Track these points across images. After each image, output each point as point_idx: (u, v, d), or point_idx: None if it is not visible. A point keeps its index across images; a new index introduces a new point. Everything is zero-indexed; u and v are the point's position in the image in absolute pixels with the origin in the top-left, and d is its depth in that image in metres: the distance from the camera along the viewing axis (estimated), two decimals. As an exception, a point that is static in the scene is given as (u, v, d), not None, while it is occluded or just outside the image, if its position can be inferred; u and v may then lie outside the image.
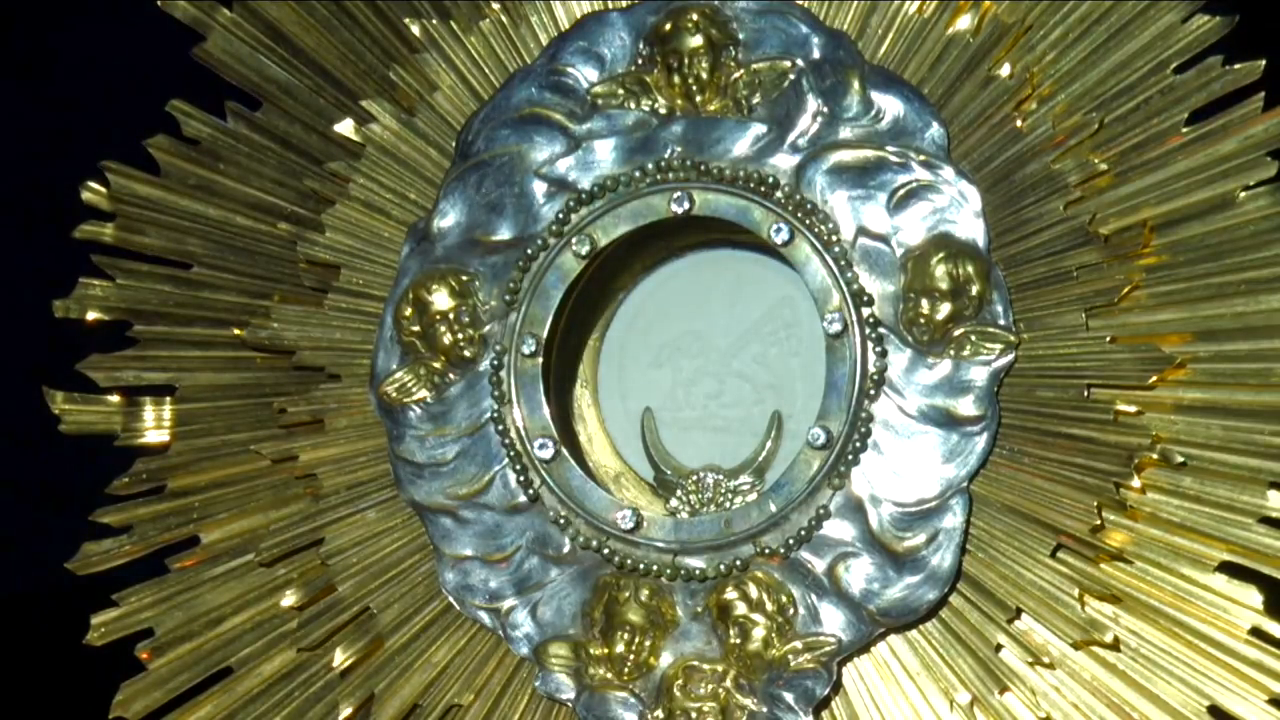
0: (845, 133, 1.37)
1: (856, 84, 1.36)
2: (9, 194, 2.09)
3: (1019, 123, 1.35)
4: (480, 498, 1.42)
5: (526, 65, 1.44)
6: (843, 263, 1.36)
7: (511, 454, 1.42)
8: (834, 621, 1.36)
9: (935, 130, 1.35)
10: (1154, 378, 1.32)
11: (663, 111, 1.40)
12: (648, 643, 1.39)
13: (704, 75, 1.39)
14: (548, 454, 1.41)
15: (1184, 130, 1.33)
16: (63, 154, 1.97)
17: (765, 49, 1.38)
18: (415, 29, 1.47)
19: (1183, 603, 1.34)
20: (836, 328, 1.36)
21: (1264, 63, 1.32)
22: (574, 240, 1.41)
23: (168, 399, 1.57)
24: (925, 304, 1.34)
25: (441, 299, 1.43)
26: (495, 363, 1.43)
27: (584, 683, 1.39)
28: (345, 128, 1.50)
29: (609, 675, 1.39)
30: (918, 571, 1.34)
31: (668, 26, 1.39)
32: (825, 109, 1.37)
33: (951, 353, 1.34)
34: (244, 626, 1.53)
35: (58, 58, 2.08)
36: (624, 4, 1.43)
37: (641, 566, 1.39)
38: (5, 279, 2.05)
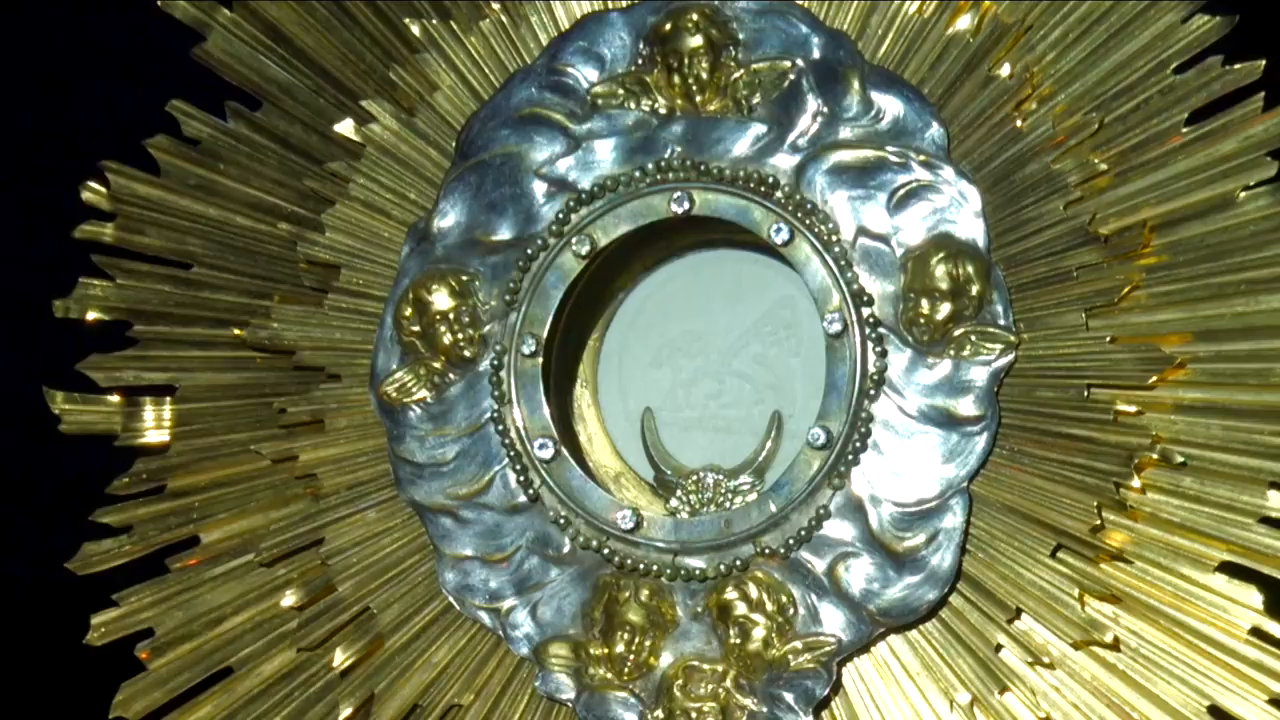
0: (845, 133, 1.37)
1: (856, 84, 1.36)
2: (9, 193, 2.09)
3: (1019, 123, 1.35)
4: (480, 498, 1.42)
5: (526, 65, 1.44)
6: (843, 263, 1.36)
7: (511, 454, 1.42)
8: (834, 621, 1.36)
9: (935, 130, 1.35)
10: (1154, 378, 1.32)
11: (663, 111, 1.40)
12: (648, 643, 1.39)
13: (704, 75, 1.39)
14: (548, 454, 1.41)
15: (1184, 130, 1.34)
16: (63, 153, 1.97)
17: (765, 49, 1.38)
18: (415, 29, 1.47)
19: (1183, 603, 1.34)
20: (836, 328, 1.36)
21: (1264, 63, 1.32)
22: (574, 240, 1.41)
23: (168, 399, 1.57)
24: (925, 304, 1.34)
25: (441, 299, 1.43)
26: (495, 363, 1.43)
27: (584, 683, 1.39)
28: (345, 128, 1.50)
29: (609, 675, 1.39)
30: (918, 571, 1.34)
31: (668, 26, 1.39)
32: (825, 109, 1.37)
33: (951, 353, 1.34)
34: (244, 626, 1.53)
35: (58, 56, 2.08)
36: (624, 4, 1.43)
37: (641, 566, 1.39)
38: (5, 279, 2.04)
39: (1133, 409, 1.33)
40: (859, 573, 1.35)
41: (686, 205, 1.40)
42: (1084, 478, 1.33)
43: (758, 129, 1.38)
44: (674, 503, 1.46)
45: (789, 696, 1.36)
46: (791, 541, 1.36)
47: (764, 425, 1.47)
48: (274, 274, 1.53)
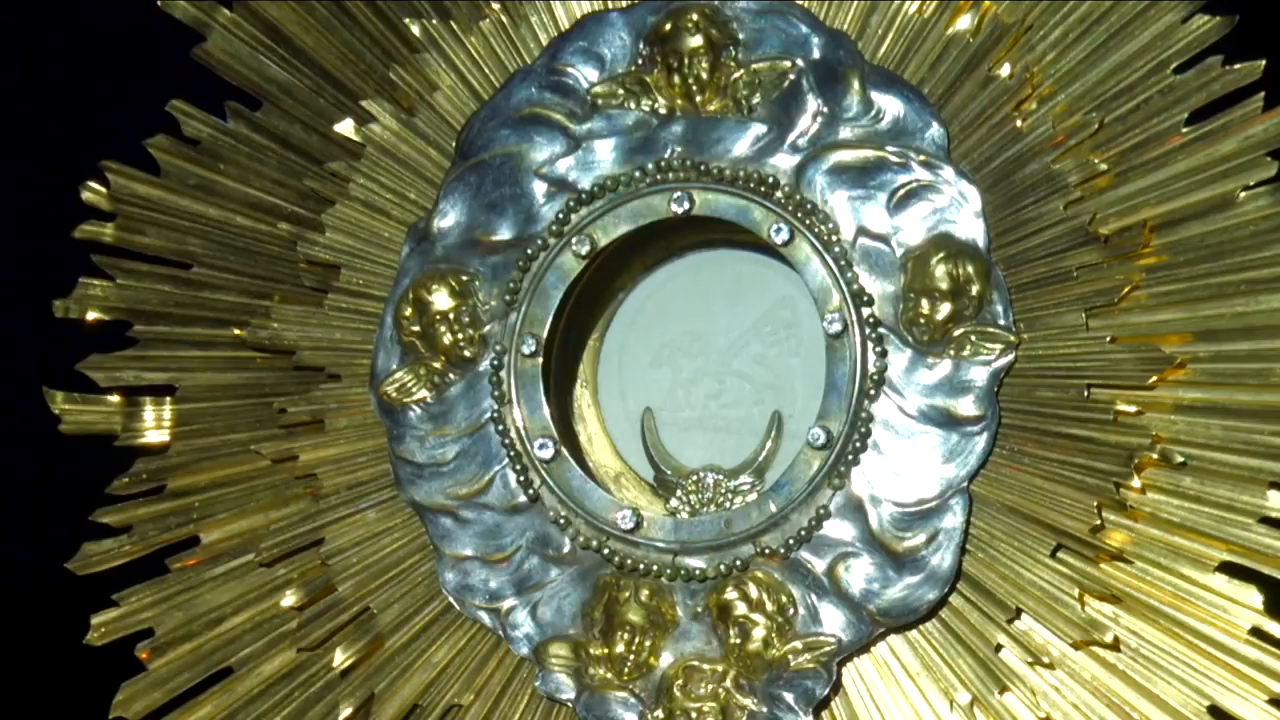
0: (845, 133, 1.37)
1: (856, 84, 1.36)
2: (9, 193, 2.09)
3: (1019, 123, 1.35)
4: (480, 498, 1.42)
5: (526, 65, 1.44)
6: (843, 263, 1.36)
7: (511, 454, 1.42)
8: (834, 621, 1.36)
9: (935, 130, 1.35)
10: (1154, 378, 1.32)
11: (663, 111, 1.40)
12: (648, 643, 1.39)
13: (704, 75, 1.39)
14: (548, 454, 1.41)
15: (1184, 130, 1.34)
16: (63, 153, 1.97)
17: (765, 49, 1.38)
18: (415, 29, 1.47)
19: (1183, 603, 1.34)
20: (836, 328, 1.36)
21: (1264, 63, 1.32)
22: (574, 240, 1.41)
23: (168, 399, 1.57)
24: (925, 304, 1.34)
25: (441, 299, 1.43)
26: (495, 363, 1.43)
27: (584, 683, 1.39)
28: (345, 128, 1.50)
29: (609, 675, 1.39)
30: (918, 571, 1.34)
31: (668, 26, 1.39)
32: (825, 109, 1.37)
33: (951, 353, 1.34)
34: (244, 626, 1.53)
35: (58, 55, 2.09)
36: (624, 4, 1.43)
37: (641, 566, 1.39)
38: (5, 279, 2.05)
39: (1133, 409, 1.33)
40: (859, 573, 1.35)
41: (686, 205, 1.40)
42: (1084, 478, 1.33)
43: (758, 129, 1.38)
44: (674, 503, 1.46)
45: (789, 696, 1.36)
46: (791, 541, 1.36)
47: (764, 425, 1.47)
48: (274, 274, 1.53)
